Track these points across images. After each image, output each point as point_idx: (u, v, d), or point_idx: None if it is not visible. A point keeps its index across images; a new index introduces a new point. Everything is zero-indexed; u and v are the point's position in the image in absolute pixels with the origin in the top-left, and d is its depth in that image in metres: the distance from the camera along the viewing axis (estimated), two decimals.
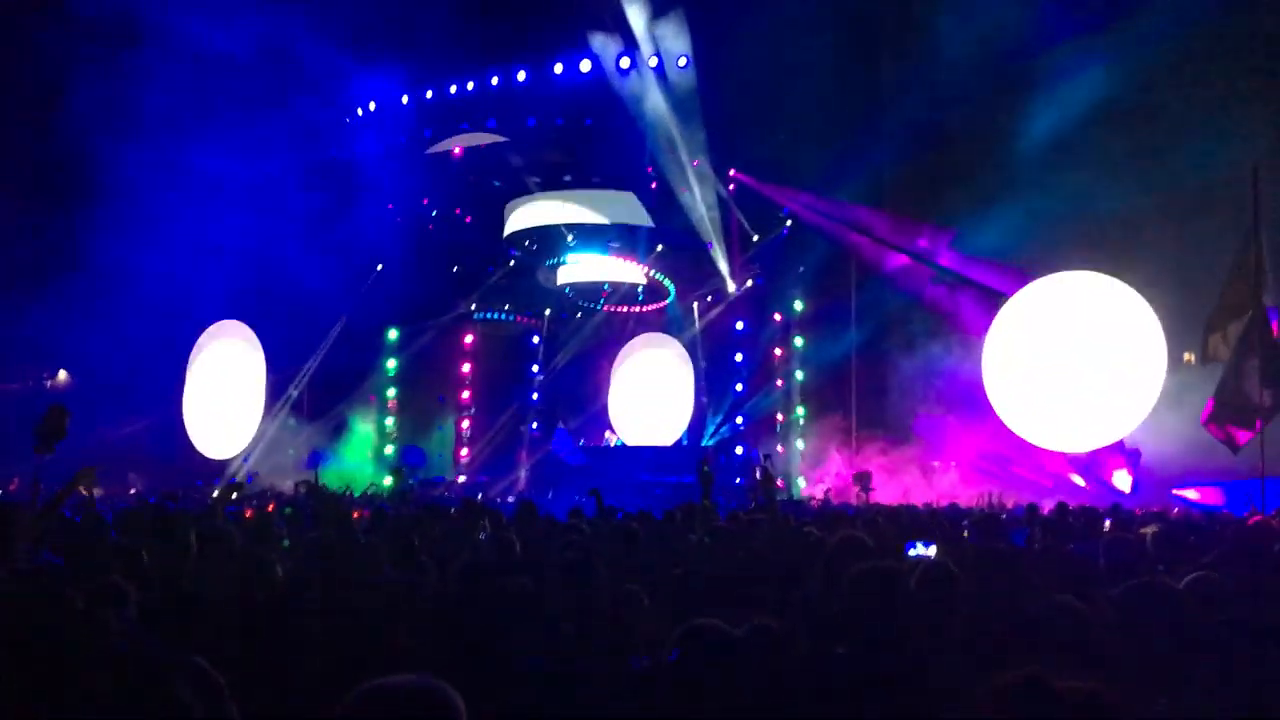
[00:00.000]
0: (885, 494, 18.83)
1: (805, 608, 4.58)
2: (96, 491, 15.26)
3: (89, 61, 19.22)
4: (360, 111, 23.88)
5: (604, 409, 26.63)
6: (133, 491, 18.37)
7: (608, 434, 25.89)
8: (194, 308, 22.74)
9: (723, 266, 24.99)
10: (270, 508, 9.88)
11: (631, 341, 26.48)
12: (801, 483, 23.58)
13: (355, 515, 10.03)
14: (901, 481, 21.04)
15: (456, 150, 23.57)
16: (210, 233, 21.34)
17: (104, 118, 19.10)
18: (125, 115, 19.34)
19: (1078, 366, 18.52)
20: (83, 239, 20.40)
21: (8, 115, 20.61)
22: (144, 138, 19.62)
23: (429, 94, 22.91)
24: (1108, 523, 9.34)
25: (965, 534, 8.81)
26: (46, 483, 5.72)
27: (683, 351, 25.86)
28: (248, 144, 20.86)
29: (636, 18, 21.44)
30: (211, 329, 23.09)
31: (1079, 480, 20.21)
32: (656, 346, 26.32)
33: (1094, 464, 20.14)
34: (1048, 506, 10.97)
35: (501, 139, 23.10)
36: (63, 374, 25.38)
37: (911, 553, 5.79)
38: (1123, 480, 19.90)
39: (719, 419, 26.21)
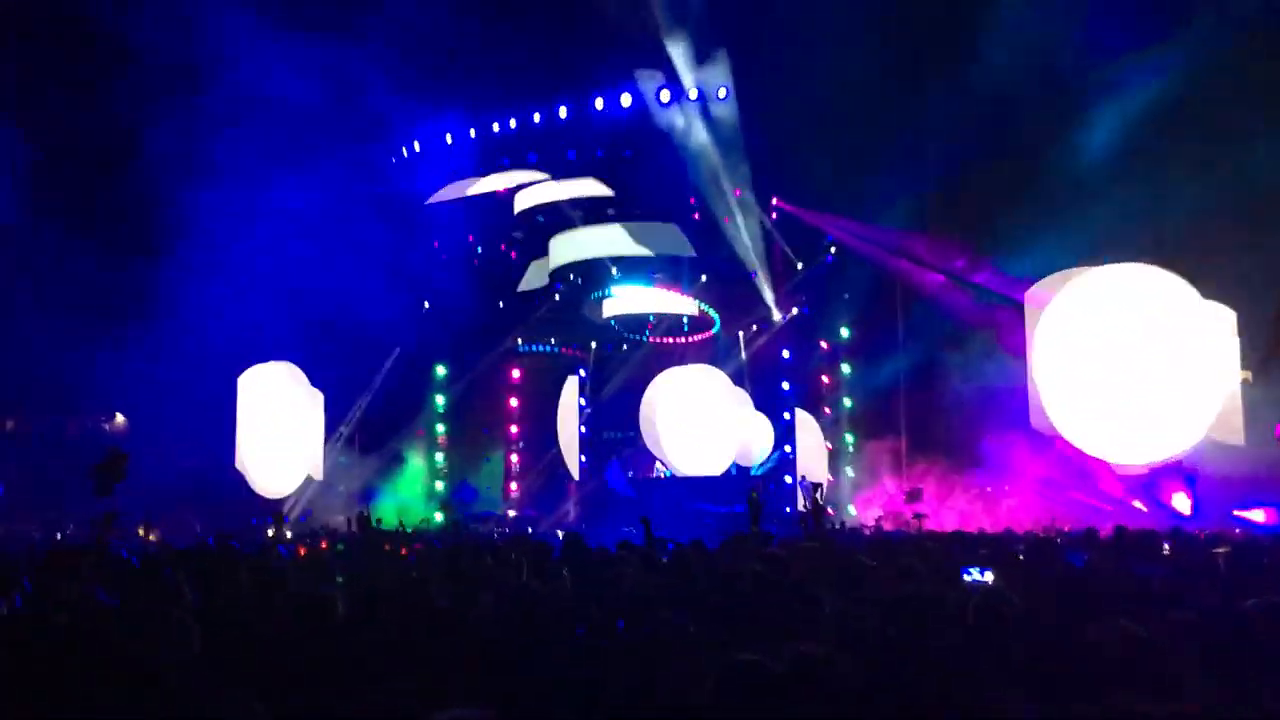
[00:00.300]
0: (939, 520, 18.62)
1: (856, 636, 4.52)
2: (153, 535, 15.54)
3: (155, 106, 19.68)
4: (405, 151, 24.23)
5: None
6: (197, 529, 18.62)
7: (659, 465, 25.83)
8: (248, 347, 23.03)
9: (768, 295, 24.95)
10: (324, 545, 9.95)
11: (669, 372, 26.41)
12: (852, 510, 23.36)
13: (404, 551, 10.06)
14: (956, 506, 20.80)
15: (500, 188, 23.82)
16: (263, 272, 21.65)
17: (163, 162, 19.60)
18: (184, 159, 19.82)
19: (1137, 371, 18.09)
20: (140, 280, 20.83)
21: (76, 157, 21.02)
22: (200, 181, 20.07)
23: (472, 132, 23.22)
24: (1166, 546, 9.14)
25: (1020, 558, 8.68)
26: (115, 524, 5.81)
27: (725, 380, 25.80)
28: (301, 185, 21.20)
29: (676, 50, 21.61)
30: (255, 370, 23.43)
31: (1138, 504, 19.84)
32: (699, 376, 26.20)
33: (1152, 486, 19.77)
34: (1105, 531, 10.80)
35: (540, 176, 23.31)
36: (120, 418, 25.84)
37: (967, 579, 5.71)
38: (1182, 502, 19.52)
39: (768, 448, 26.07)
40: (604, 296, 26.22)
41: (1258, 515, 17.21)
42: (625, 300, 26.16)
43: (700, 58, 21.72)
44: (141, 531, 17.96)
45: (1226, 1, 16.98)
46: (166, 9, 19.34)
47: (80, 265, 20.39)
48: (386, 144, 24.03)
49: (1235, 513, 17.42)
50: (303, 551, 9.40)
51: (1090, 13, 18.39)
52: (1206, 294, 17.74)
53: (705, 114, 22.21)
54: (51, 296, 20.39)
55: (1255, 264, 16.72)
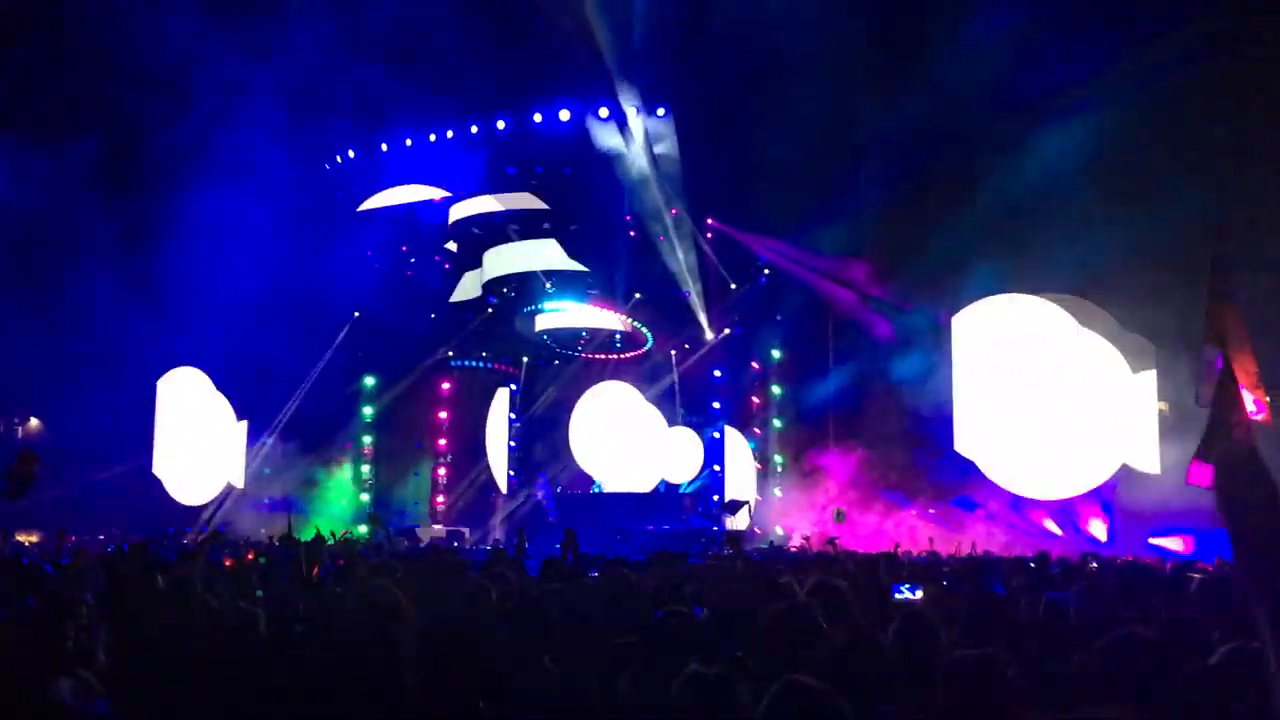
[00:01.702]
0: (864, 542, 18.80)
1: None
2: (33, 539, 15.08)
3: (76, 108, 19.27)
4: (339, 159, 23.96)
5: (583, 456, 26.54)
6: (100, 538, 18.15)
7: (599, 482, 25.81)
8: (167, 354, 22.61)
9: (700, 315, 25.09)
10: (250, 556, 9.73)
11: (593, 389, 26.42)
12: (779, 530, 23.50)
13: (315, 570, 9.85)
14: (881, 528, 21.04)
15: (434, 198, 23.67)
16: (189, 279, 21.22)
17: (88, 166, 19.22)
18: (109, 163, 19.44)
19: (1056, 401, 18.61)
20: (55, 288, 20.36)
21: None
22: (126, 186, 19.69)
23: (408, 141, 23.04)
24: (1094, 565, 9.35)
25: (944, 582, 8.80)
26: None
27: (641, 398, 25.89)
28: (231, 191, 20.85)
29: (616, 68, 21.68)
30: (171, 376, 23.03)
31: (1053, 528, 20.24)
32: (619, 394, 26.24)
33: (1070, 512, 20.19)
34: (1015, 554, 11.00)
35: (445, 194, 23.28)
36: (34, 421, 25.10)
37: (898, 596, 5.80)
38: (1098, 529, 19.94)
39: (696, 466, 26.18)
40: (537, 311, 26.15)
41: (1175, 544, 17.61)
42: (559, 316, 26.14)
43: (640, 76, 21.82)
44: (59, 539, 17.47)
45: (1154, 48, 17.45)
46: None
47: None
48: (320, 152, 23.72)
49: (1151, 540, 17.82)
50: (229, 563, 9.18)
51: (1027, 50, 18.80)
52: (1128, 326, 18.27)
53: (643, 132, 22.30)
54: None
55: (1178, 299, 17.25)
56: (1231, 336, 10.48)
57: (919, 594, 5.70)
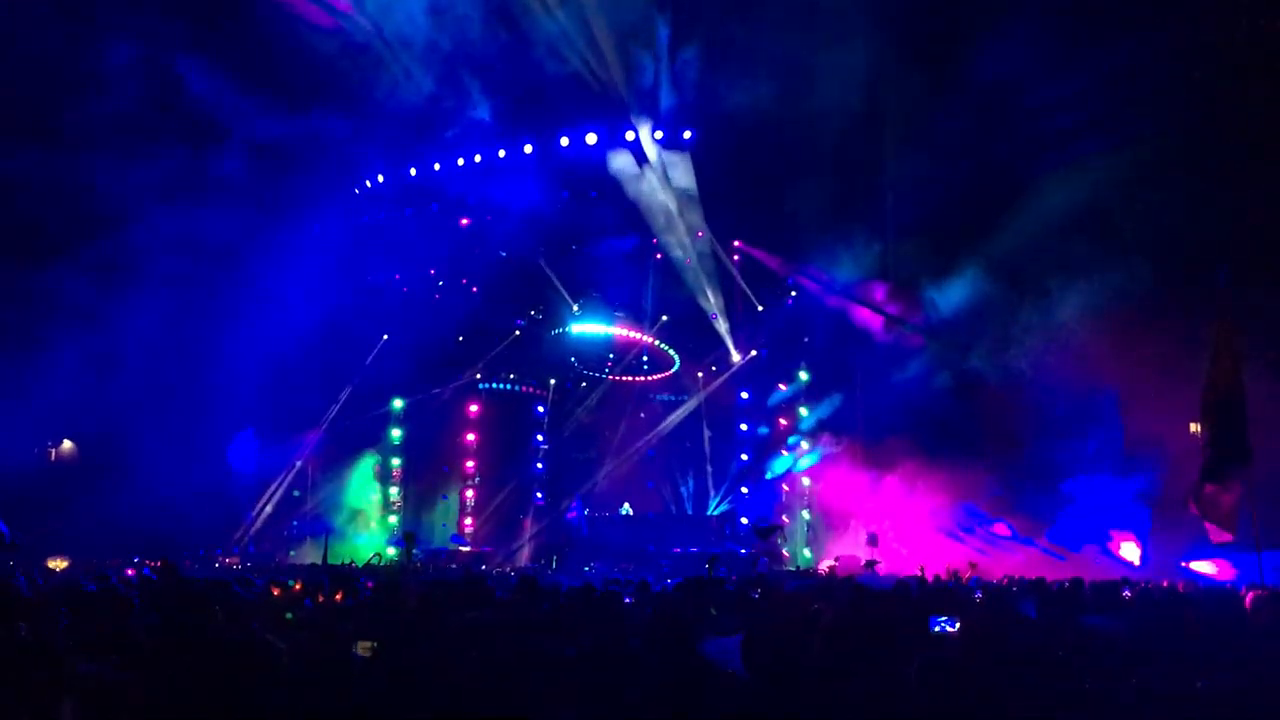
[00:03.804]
0: (897, 565, 18.73)
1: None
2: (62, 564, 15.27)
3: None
4: (369, 184, 24.20)
5: (608, 478, 26.56)
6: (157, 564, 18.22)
7: (626, 505, 25.82)
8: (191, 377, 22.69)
9: (727, 337, 25.12)
10: (298, 587, 9.77)
11: None
12: (808, 553, 23.43)
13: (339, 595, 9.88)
14: (914, 552, 20.93)
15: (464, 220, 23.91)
16: (220, 304, 21.47)
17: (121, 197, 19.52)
18: (140, 191, 19.72)
19: None
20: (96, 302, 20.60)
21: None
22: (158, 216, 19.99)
23: (436, 166, 23.24)
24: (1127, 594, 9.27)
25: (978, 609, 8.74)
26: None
27: None
28: (261, 220, 21.12)
29: (644, 92, 21.84)
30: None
31: (1132, 554, 20.11)
32: None
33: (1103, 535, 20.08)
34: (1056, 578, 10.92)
35: None
36: (67, 444, 25.31)
37: (935, 628, 5.77)
38: (1130, 551, 19.78)
39: (724, 488, 26.17)
40: (565, 332, 26.23)
41: (1208, 568, 17.43)
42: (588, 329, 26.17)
43: (667, 102, 21.97)
44: (52, 565, 17.60)
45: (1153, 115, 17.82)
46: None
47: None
48: (350, 177, 23.97)
49: (1184, 564, 17.65)
50: (276, 592, 9.23)
51: (1040, 100, 19.06)
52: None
53: (670, 156, 22.44)
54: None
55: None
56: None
57: (956, 627, 5.68)
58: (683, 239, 23.47)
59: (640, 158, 22.52)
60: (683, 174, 22.61)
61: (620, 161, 22.39)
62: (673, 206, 22.88)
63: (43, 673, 3.62)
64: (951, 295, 21.33)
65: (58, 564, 18.54)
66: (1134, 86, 18.38)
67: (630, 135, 22.24)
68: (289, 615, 8.33)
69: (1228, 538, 13.20)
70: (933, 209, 20.54)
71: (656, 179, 22.51)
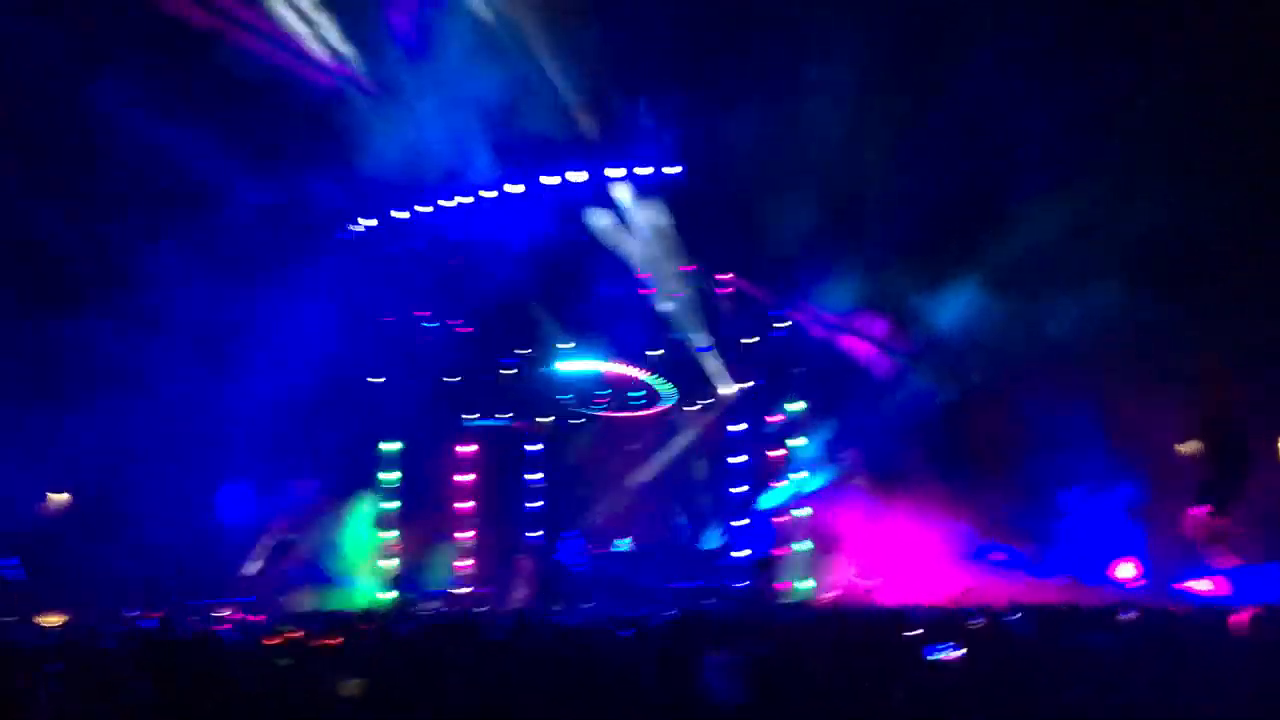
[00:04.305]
0: (889, 594, 18.73)
1: None
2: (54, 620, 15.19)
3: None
4: (354, 227, 24.26)
5: (604, 515, 26.51)
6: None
7: (618, 541, 25.72)
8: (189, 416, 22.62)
9: (719, 370, 25.15)
10: (296, 635, 9.74)
11: None
12: (807, 584, 23.37)
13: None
14: (908, 580, 20.94)
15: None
16: (213, 355, 21.48)
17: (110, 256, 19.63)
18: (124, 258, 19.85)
19: None
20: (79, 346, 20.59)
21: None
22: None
23: (429, 208, 23.33)
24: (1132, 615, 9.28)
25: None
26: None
27: None
28: (246, 269, 21.20)
29: (628, 126, 22.02)
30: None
31: (1128, 571, 20.15)
32: None
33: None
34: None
35: None
36: (60, 495, 25.13)
37: (932, 657, 5.77)
38: (1126, 571, 19.81)
39: (720, 522, 26.13)
40: (553, 370, 26.23)
41: (1204, 585, 17.46)
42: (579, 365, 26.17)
43: (653, 134, 22.15)
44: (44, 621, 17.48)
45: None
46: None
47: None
48: (335, 222, 24.04)
49: (1178, 586, 17.68)
50: (273, 640, 9.22)
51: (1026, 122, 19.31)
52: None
53: (657, 189, 22.59)
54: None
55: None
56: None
57: (956, 654, 5.67)
58: (670, 274, 23.56)
59: (626, 193, 22.67)
60: (667, 209, 22.74)
61: (605, 199, 22.52)
62: (659, 242, 22.98)
63: None
64: (941, 315, 21.49)
65: (52, 620, 18.43)
66: (1123, 99, 18.58)
67: (616, 173, 22.37)
68: (283, 662, 8.32)
69: (1234, 561, 13.25)
70: (921, 231, 20.73)
71: (641, 215, 22.63)
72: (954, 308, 20.84)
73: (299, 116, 20.08)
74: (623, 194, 22.64)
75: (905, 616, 10.46)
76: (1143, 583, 19.60)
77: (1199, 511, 14.12)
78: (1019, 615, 11.38)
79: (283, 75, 19.91)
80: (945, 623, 9.35)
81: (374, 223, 24.00)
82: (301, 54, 20.26)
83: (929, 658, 5.63)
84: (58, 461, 21.39)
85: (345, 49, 20.59)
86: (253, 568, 24.15)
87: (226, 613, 20.99)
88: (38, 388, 20.06)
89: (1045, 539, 20.90)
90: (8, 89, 18.53)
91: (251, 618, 19.57)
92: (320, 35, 20.38)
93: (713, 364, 25.08)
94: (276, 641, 10.37)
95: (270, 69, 19.74)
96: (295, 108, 19.93)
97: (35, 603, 18.05)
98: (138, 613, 18.56)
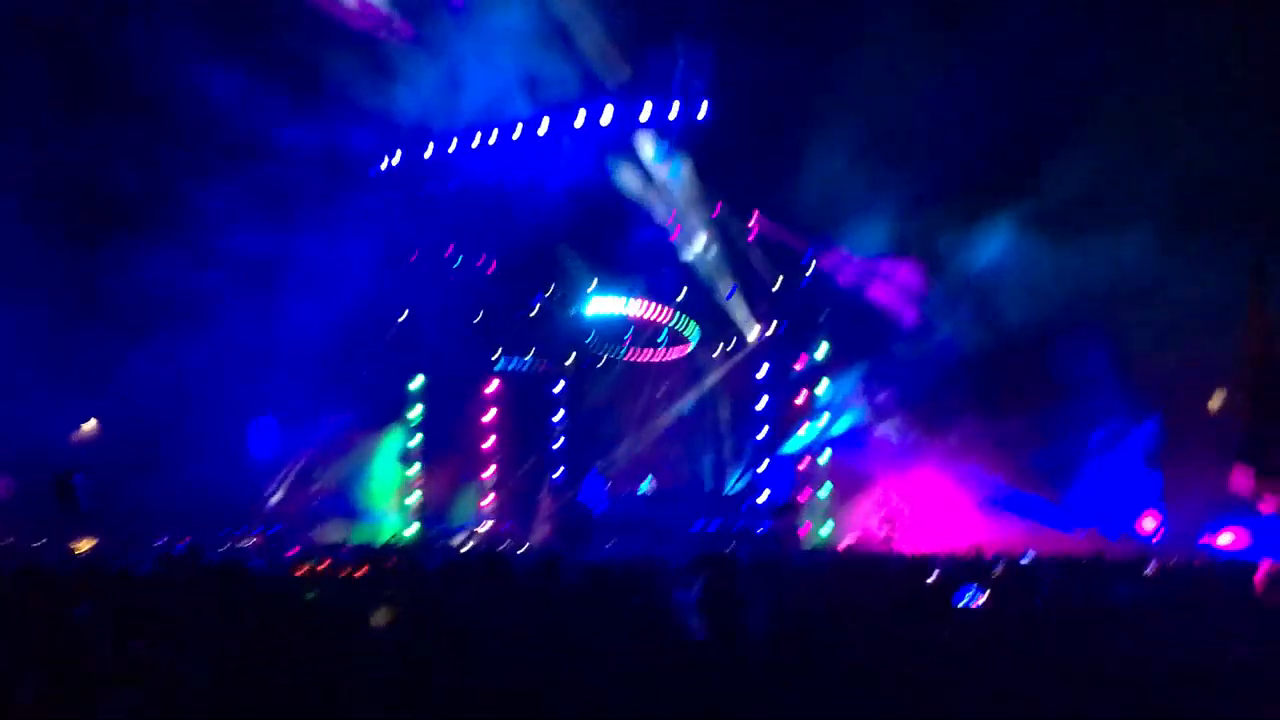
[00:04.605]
0: (909, 540, 18.79)
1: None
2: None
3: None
4: (386, 163, 24.20)
5: (627, 456, 26.61)
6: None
7: (650, 480, 25.83)
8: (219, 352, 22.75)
9: (744, 313, 25.07)
10: (322, 566, 9.90)
11: None
12: (826, 530, 23.48)
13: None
14: (927, 525, 21.01)
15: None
16: (241, 292, 21.59)
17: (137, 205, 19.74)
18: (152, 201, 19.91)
19: None
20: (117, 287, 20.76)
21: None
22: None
23: (454, 142, 23.22)
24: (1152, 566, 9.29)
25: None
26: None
27: None
28: (276, 209, 21.23)
29: (656, 65, 21.78)
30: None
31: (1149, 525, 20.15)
32: None
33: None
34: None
35: None
36: (91, 423, 25.45)
37: (960, 604, 5.79)
38: (1148, 523, 19.78)
39: (743, 466, 26.20)
40: (582, 309, 26.22)
41: (1225, 538, 17.42)
42: (606, 305, 26.12)
43: (681, 73, 21.87)
44: (76, 547, 17.79)
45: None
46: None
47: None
48: (367, 160, 23.98)
49: (1203, 540, 17.64)
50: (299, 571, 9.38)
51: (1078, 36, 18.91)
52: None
53: (685, 129, 22.37)
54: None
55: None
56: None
57: (980, 601, 5.69)
58: (697, 216, 23.42)
59: (656, 133, 22.48)
60: (695, 151, 22.55)
61: (633, 140, 22.35)
62: (686, 184, 22.83)
63: (99, 655, 3.69)
64: (971, 260, 21.32)
65: (83, 545, 18.76)
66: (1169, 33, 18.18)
67: (645, 111, 22.15)
68: (310, 595, 8.45)
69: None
70: (952, 174, 20.49)
71: (669, 157, 22.47)
72: (984, 252, 20.62)
73: (336, 58, 20.03)
74: (650, 135, 22.44)
75: (925, 563, 10.49)
76: (1160, 534, 19.59)
77: (1242, 463, 14.01)
78: (1032, 556, 11.42)
79: (320, 18, 19.87)
80: (966, 570, 9.37)
81: (400, 161, 23.93)
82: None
83: (955, 605, 5.65)
84: (99, 391, 21.65)
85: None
86: (279, 499, 24.48)
87: (253, 541, 21.29)
88: (81, 321, 20.27)
89: (1068, 489, 20.89)
90: (62, 37, 18.61)
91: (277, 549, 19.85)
92: None
93: (738, 307, 24.99)
94: (303, 571, 10.55)
95: (308, 11, 19.75)
96: (332, 49, 19.89)
97: (68, 529, 18.36)
98: (164, 539, 18.84)
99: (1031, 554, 12.60)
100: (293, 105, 20.34)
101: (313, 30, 19.88)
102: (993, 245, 20.41)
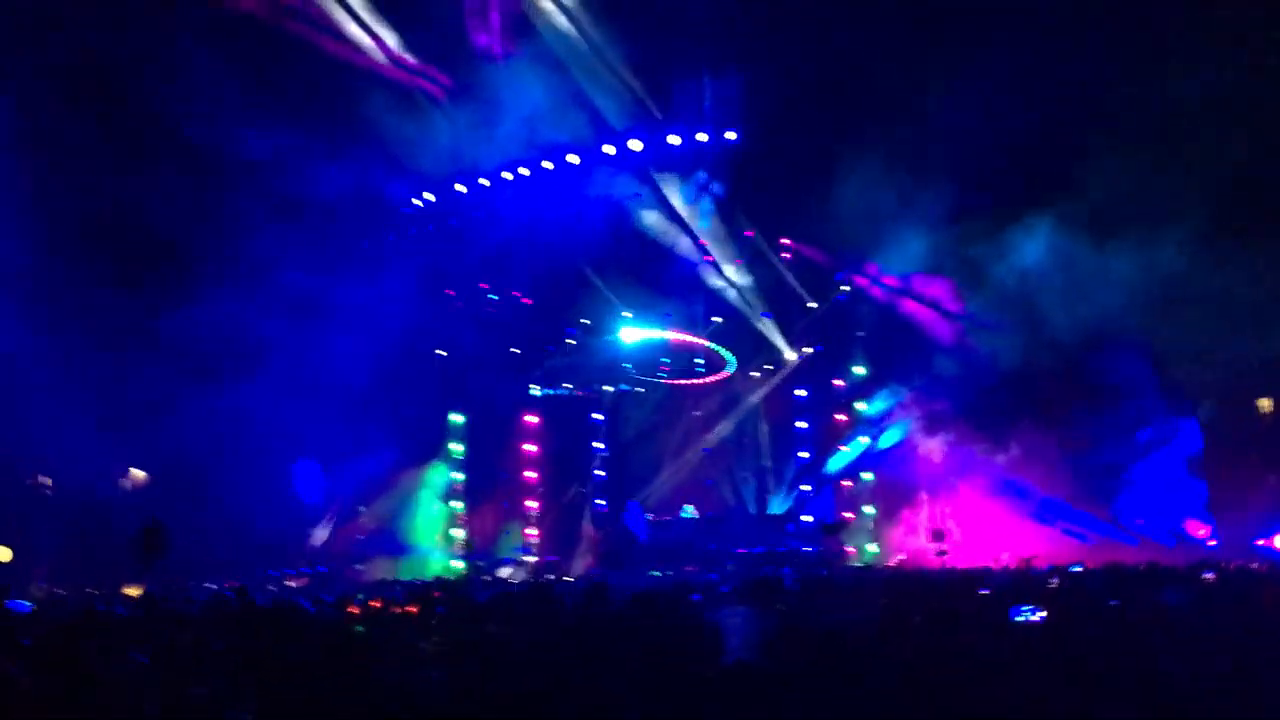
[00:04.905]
0: (959, 555, 18.59)
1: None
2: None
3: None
4: (418, 201, 24.43)
5: (669, 482, 26.54)
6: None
7: (688, 507, 25.75)
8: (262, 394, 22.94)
9: (780, 336, 25.04)
10: (375, 604, 9.91)
11: None
12: (874, 547, 23.29)
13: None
14: (979, 540, 20.80)
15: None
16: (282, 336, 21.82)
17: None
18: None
19: None
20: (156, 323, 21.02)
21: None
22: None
23: (485, 181, 23.41)
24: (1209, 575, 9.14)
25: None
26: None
27: None
28: (307, 242, 21.46)
29: (682, 97, 21.90)
30: None
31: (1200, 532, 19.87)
32: None
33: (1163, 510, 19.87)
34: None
35: None
36: (138, 472, 25.71)
37: (1018, 619, 5.70)
38: (1199, 528, 19.49)
39: (786, 487, 26.08)
40: (616, 338, 26.26)
41: None
42: (640, 333, 26.14)
43: (708, 101, 21.98)
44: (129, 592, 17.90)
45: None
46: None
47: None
48: (397, 195, 24.22)
49: (1258, 542, 17.37)
50: (352, 610, 9.39)
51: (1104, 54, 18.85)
52: None
53: (715, 156, 22.46)
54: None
55: None
56: None
57: (1038, 616, 5.61)
58: (731, 239, 23.47)
59: (683, 162, 22.58)
60: (727, 176, 22.62)
61: (664, 168, 22.47)
62: (718, 209, 22.90)
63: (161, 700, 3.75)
64: (1005, 274, 21.21)
65: (134, 590, 18.89)
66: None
67: (673, 140, 22.25)
68: (359, 629, 8.48)
69: None
70: (984, 191, 20.41)
71: (700, 184, 22.58)
72: (1022, 260, 20.51)
73: (374, 105, 20.38)
74: (681, 164, 22.56)
75: (979, 578, 10.38)
76: (1213, 542, 19.28)
77: None
78: (1081, 569, 11.26)
79: (357, 70, 20.27)
80: (1022, 584, 9.27)
81: (435, 200, 24.17)
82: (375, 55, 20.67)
83: (1014, 619, 5.56)
84: (147, 435, 21.88)
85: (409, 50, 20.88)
86: (324, 539, 24.59)
87: (301, 581, 21.40)
88: (130, 367, 20.51)
89: (1116, 499, 20.62)
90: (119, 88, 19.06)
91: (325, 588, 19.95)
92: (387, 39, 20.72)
93: (775, 329, 24.96)
94: (354, 610, 10.56)
95: (346, 65, 20.15)
96: (370, 98, 20.24)
97: (120, 573, 18.52)
98: (215, 586, 18.96)
99: (1081, 566, 12.45)
100: (331, 151, 20.60)
101: (350, 80, 20.21)
102: (1031, 252, 20.26)
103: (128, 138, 19.80)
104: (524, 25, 20.58)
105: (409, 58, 20.99)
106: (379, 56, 20.73)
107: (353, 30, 20.42)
